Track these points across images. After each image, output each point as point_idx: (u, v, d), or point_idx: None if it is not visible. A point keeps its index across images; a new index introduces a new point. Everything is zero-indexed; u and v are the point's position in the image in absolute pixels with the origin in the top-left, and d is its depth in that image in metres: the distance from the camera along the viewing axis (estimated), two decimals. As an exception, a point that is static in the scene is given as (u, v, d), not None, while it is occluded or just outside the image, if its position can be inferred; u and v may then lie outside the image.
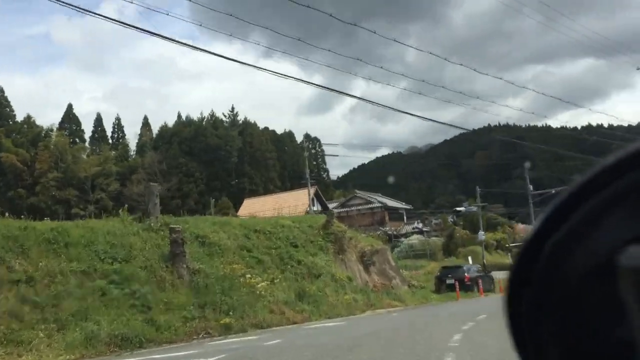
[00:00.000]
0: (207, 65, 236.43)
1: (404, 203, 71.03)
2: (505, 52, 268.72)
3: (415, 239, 52.01)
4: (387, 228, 62.39)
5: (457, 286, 26.51)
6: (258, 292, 18.21)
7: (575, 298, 0.54)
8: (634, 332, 0.47)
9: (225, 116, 76.56)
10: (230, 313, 16.22)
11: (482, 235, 48.78)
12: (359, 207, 65.30)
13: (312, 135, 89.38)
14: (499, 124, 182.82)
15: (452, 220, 76.44)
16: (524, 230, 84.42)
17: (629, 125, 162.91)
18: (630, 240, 0.48)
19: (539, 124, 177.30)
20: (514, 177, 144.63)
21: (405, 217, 70.09)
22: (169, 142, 74.39)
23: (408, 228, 64.68)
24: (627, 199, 0.50)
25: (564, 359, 0.56)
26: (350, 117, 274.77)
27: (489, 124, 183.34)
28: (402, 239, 54.20)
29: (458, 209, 51.09)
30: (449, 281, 28.51)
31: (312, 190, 59.59)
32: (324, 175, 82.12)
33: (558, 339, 0.56)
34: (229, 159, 71.70)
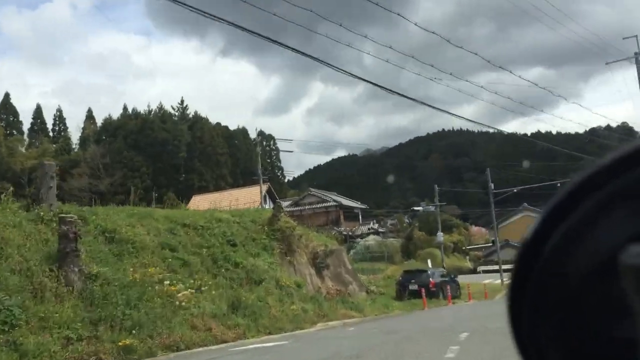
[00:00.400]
0: (165, 62, 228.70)
1: (359, 203, 67.42)
2: (460, 58, 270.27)
3: (372, 239, 48.32)
4: (342, 228, 58.65)
5: (423, 293, 22.69)
6: (178, 302, 13.88)
7: (576, 298, 0.52)
8: (636, 331, 0.45)
9: (174, 109, 71.34)
10: (134, 331, 11.82)
11: (440, 236, 45.55)
12: (313, 206, 61.33)
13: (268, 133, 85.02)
14: (453, 128, 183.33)
15: (408, 221, 73.37)
16: (478, 232, 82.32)
17: (576, 133, 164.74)
18: (631, 238, 0.47)
19: (491, 130, 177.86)
20: (465, 180, 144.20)
21: (360, 217, 66.51)
22: (113, 135, 68.64)
23: (364, 229, 61.08)
24: (627, 198, 0.49)
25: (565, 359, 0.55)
26: (307, 119, 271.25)
27: (443, 129, 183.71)
28: (358, 239, 50.45)
29: (416, 208, 47.75)
30: (412, 287, 24.78)
31: (264, 187, 55.31)
32: (279, 174, 77.80)
33: (559, 341, 0.55)
34: (178, 154, 66.52)
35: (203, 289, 15.01)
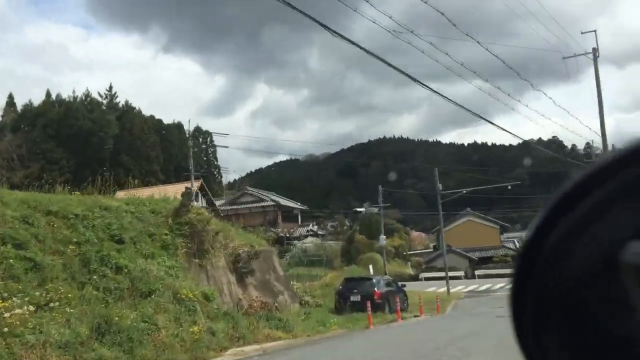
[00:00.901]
0: (104, 56, 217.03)
1: (299, 203, 62.82)
2: (402, 68, 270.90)
3: (310, 242, 43.72)
4: (280, 229, 53.86)
5: (368, 306, 18.09)
6: (6, 328, 8.81)
7: (578, 297, 0.52)
8: (638, 329, 0.45)
9: (101, 97, 64.40)
10: None
11: (383, 240, 41.50)
12: (250, 205, 56.26)
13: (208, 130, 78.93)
14: (394, 136, 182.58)
15: (349, 224, 69.38)
16: (418, 237, 79.40)
17: (510, 145, 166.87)
18: (632, 236, 0.46)
19: (430, 139, 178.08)
20: (406, 186, 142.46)
21: (300, 219, 61.93)
22: (32, 123, 61.12)
23: (302, 230, 56.49)
24: (627, 195, 0.48)
25: (567, 356, 0.54)
26: (251, 121, 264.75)
27: (384, 136, 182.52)
28: (295, 242, 45.77)
29: (358, 209, 43.64)
30: (353, 298, 20.33)
31: (197, 184, 49.86)
32: (215, 172, 72.11)
33: (562, 340, 0.54)
34: (103, 147, 59.81)
35: (54, 305, 9.91)
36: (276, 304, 17.69)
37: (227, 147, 60.58)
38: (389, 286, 22.19)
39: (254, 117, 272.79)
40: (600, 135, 30.80)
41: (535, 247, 0.54)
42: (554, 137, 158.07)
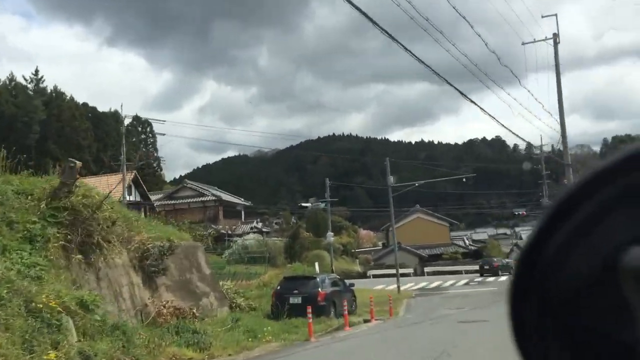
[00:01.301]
0: (45, 47, 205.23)
1: (242, 199, 58.85)
2: (351, 68, 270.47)
3: (252, 238, 39.99)
4: (221, 226, 49.81)
5: (309, 311, 14.59)
6: None
7: (579, 302, 0.51)
8: (637, 333, 0.45)
9: (26, 80, 58.33)
10: None
11: (330, 236, 38.30)
12: (189, 200, 51.90)
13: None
14: (343, 134, 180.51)
15: (295, 220, 66.01)
16: (366, 235, 76.96)
17: (455, 144, 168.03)
18: (632, 241, 0.46)
19: (379, 137, 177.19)
20: (356, 185, 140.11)
21: (243, 215, 58.00)
22: (-53, 108, 54.64)
23: (246, 227, 52.61)
24: (627, 200, 0.48)
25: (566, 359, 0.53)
26: (199, 117, 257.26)
27: (333, 133, 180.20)
28: (236, 238, 41.96)
29: (304, 204, 40.33)
30: (293, 300, 16.84)
31: (130, 176, 45.21)
32: (154, 164, 67.05)
33: (562, 345, 0.53)
34: (29, 134, 54.03)
35: None
36: (196, 310, 14.01)
37: (163, 134, 56.11)
38: (335, 285, 18.82)
39: (202, 113, 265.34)
40: (559, 123, 28.58)
41: (536, 251, 0.53)
42: (497, 136, 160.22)
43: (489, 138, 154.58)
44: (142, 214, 49.44)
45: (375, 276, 48.30)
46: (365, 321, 17.86)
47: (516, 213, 56.63)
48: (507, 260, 48.54)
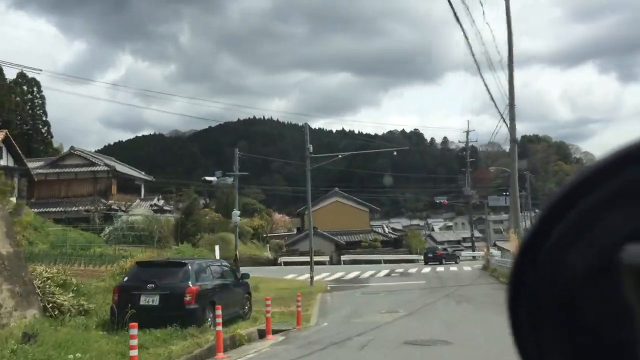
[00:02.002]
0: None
1: (143, 173, 50.86)
2: (275, 54, 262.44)
3: (141, 214, 32.70)
4: (113, 201, 41.87)
5: (171, 317, 8.32)
6: None
7: (576, 299, 0.50)
8: (636, 331, 0.44)
9: None
10: None
11: (236, 215, 31.89)
12: (76, 170, 43.43)
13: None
14: (264, 117, 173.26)
15: (205, 201, 58.87)
16: (281, 220, 71.04)
17: (375, 134, 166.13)
18: (630, 237, 0.45)
19: (300, 123, 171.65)
20: (273, 170, 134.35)
21: (143, 191, 50.10)
22: None
23: (145, 205, 44.92)
24: (626, 196, 0.47)
25: (564, 356, 0.52)
26: (112, 92, 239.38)
27: (254, 116, 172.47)
28: (120, 213, 34.44)
29: (208, 178, 33.62)
30: (146, 299, 10.36)
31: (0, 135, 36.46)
32: (44, 130, 57.20)
33: (560, 342, 0.52)
34: None
35: None
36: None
37: (40, 70, 47.17)
38: (219, 278, 12.47)
39: (115, 88, 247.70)
40: (508, 92, 23.83)
41: (534, 248, 0.52)
42: (415, 129, 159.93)
43: (407, 131, 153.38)
44: (15, 181, 40.49)
45: (287, 263, 42.44)
46: (261, 335, 11.63)
47: (438, 201, 52.90)
48: (451, 248, 45.10)
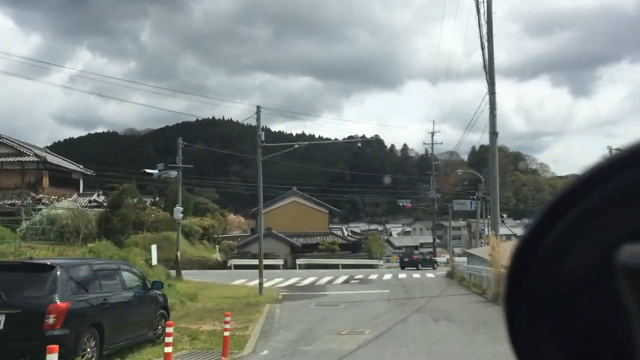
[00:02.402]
0: None
1: (81, 166, 45.90)
2: (237, 56, 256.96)
3: (65, 207, 28.22)
4: (43, 195, 36.98)
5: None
6: None
7: (573, 299, 0.50)
8: (632, 332, 0.43)
9: None
10: None
11: (179, 212, 27.97)
12: (2, 159, 38.28)
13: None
14: (223, 118, 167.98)
15: (155, 200, 54.28)
16: (236, 220, 66.85)
17: (336, 139, 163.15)
18: (626, 238, 0.45)
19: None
20: (231, 173, 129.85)
21: (82, 186, 45.21)
22: None
23: (83, 201, 40.22)
24: (623, 198, 0.47)
25: (560, 359, 0.52)
26: (67, 88, 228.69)
27: (213, 117, 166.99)
28: (41, 206, 29.78)
29: (149, 170, 29.46)
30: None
31: None
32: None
33: (556, 342, 0.52)
34: None
35: None
36: None
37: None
38: (114, 288, 8.63)
39: (72, 83, 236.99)
40: (488, 84, 20.90)
41: (531, 248, 0.51)
42: (375, 135, 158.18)
43: (368, 136, 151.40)
44: None
45: (237, 267, 38.47)
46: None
47: (401, 204, 50.08)
48: (426, 253, 42.32)
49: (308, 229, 43.43)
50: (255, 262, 38.64)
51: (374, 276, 32.42)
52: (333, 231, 45.79)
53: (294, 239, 42.63)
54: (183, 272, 28.37)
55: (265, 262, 39.52)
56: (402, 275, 33.16)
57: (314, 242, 42.97)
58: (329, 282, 28.81)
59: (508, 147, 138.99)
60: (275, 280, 29.19)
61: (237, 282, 28.86)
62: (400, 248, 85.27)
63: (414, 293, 21.86)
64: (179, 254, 27.88)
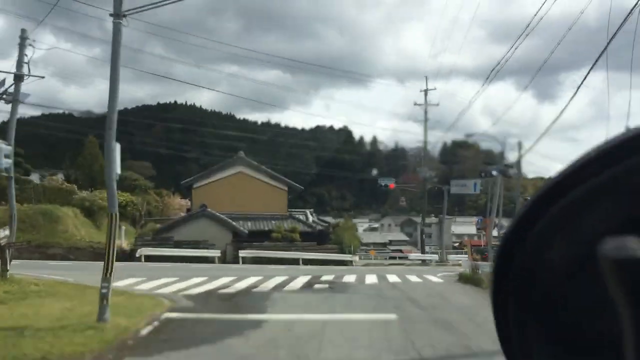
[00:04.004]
0: None
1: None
2: (205, 46, 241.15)
3: None
4: None
5: None
6: None
7: (558, 290, 0.49)
8: (618, 323, 0.42)
9: None
10: None
11: (5, 152, 14.96)
12: None
13: None
14: (185, 103, 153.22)
15: (65, 173, 40.64)
16: (178, 203, 53.97)
17: (302, 129, 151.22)
18: (609, 231, 0.44)
19: (224, 112, 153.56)
20: (189, 160, 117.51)
21: None
22: None
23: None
24: (608, 191, 0.46)
25: (549, 352, 0.50)
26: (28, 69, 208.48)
27: (175, 101, 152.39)
28: None
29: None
30: None
31: None
32: None
33: (542, 333, 0.50)
34: None
35: None
36: None
37: None
38: None
39: (33, 66, 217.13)
40: None
41: (517, 240, 0.49)
42: (344, 126, 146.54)
43: (336, 127, 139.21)
44: None
45: (150, 258, 25.45)
46: None
47: (382, 185, 37.91)
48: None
49: (261, 210, 30.79)
50: (179, 252, 25.78)
51: (350, 277, 20.07)
52: (294, 215, 33.17)
53: (240, 222, 29.81)
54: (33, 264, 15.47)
55: (193, 252, 26.45)
56: (394, 278, 20.84)
57: (266, 227, 30.30)
58: (279, 287, 16.24)
59: (479, 144, 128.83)
60: (191, 282, 16.45)
61: (124, 282, 15.91)
62: (367, 245, 73.92)
63: (441, 315, 9.71)
64: (8, 232, 14.75)
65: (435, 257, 36.34)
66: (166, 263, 24.20)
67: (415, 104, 37.28)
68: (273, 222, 30.51)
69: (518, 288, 0.50)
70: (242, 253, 27.28)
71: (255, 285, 16.42)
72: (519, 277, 0.50)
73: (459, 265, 35.70)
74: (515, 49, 14.28)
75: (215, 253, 27.03)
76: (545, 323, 0.50)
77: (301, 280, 18.09)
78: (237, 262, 27.24)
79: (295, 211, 34.90)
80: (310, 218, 34.62)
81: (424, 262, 34.85)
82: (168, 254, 25.19)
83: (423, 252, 37.56)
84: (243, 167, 33.89)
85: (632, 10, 8.80)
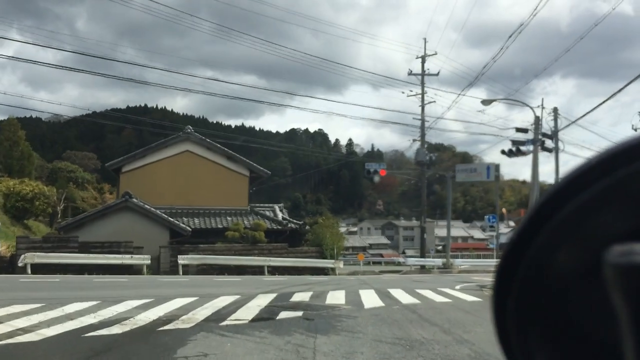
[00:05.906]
0: None
1: None
2: (179, 49, 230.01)
3: None
4: None
5: None
6: None
7: (562, 299, 0.47)
8: (621, 332, 0.41)
9: None
10: None
11: None
12: None
13: None
14: (156, 106, 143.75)
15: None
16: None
17: (277, 132, 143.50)
18: (616, 238, 0.42)
19: (197, 115, 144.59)
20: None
21: None
22: None
23: None
24: (614, 197, 0.44)
25: (549, 357, 0.48)
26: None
27: (145, 104, 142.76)
28: None
29: None
30: None
31: None
32: None
33: (545, 342, 0.48)
34: None
35: None
36: None
37: None
38: None
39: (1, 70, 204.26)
40: None
41: (521, 247, 0.47)
42: (319, 129, 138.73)
43: (311, 131, 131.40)
44: None
45: (40, 268, 16.72)
46: None
47: (371, 170, 29.85)
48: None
49: (211, 203, 22.33)
50: (86, 258, 17.14)
51: (336, 295, 11.93)
52: (258, 210, 24.71)
53: (182, 218, 21.25)
54: None
55: (107, 259, 17.71)
56: (401, 294, 12.76)
57: (219, 225, 21.83)
58: (216, 317, 7.88)
59: (455, 147, 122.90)
60: (52, 314, 7.86)
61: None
62: (347, 249, 66.82)
63: None
64: None
65: (439, 262, 28.57)
66: (63, 275, 15.56)
67: (410, 70, 29.51)
68: (229, 218, 22.02)
69: (521, 294, 0.48)
70: (183, 259, 18.74)
71: (173, 316, 8.10)
72: (523, 283, 0.47)
73: (467, 271, 27.95)
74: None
75: (144, 260, 18.45)
76: (547, 330, 0.47)
77: (258, 303, 9.75)
78: (177, 272, 18.67)
79: (260, 206, 26.52)
80: (280, 214, 26.26)
81: (423, 268, 26.89)
82: (68, 262, 16.58)
83: (423, 255, 29.64)
84: (191, 146, 25.26)
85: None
